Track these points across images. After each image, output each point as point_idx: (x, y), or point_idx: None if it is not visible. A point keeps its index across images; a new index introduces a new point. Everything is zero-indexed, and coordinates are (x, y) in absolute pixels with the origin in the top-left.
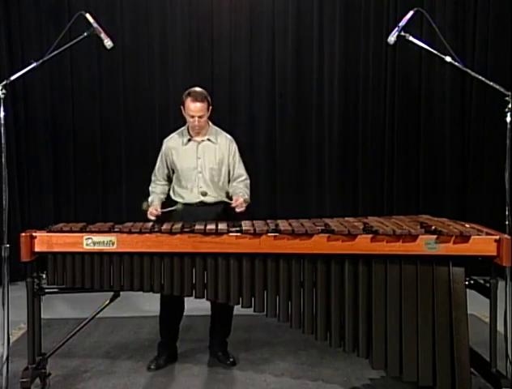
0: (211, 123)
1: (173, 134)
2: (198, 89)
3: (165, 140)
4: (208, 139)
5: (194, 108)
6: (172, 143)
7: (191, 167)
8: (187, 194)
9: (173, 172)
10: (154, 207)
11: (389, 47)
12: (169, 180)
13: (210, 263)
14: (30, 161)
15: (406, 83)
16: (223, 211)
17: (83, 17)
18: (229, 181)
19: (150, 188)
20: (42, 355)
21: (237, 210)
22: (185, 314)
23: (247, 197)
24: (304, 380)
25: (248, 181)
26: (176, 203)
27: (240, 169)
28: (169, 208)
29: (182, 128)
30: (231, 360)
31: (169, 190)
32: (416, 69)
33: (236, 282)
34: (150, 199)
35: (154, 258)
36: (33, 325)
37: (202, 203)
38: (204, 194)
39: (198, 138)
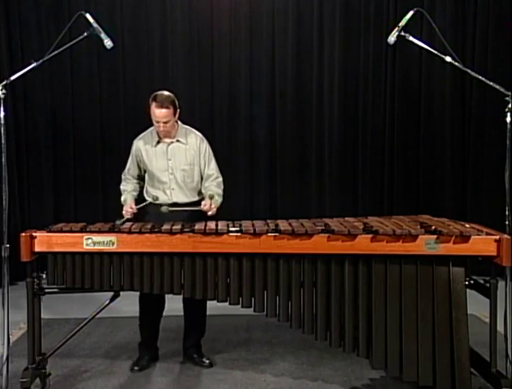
0: (180, 123)
1: (143, 134)
2: (164, 93)
3: (135, 140)
4: (178, 141)
5: (159, 114)
6: (142, 143)
7: (162, 168)
8: (160, 195)
9: (145, 171)
10: (128, 205)
11: (389, 47)
12: (140, 178)
13: (210, 263)
14: (30, 161)
15: (406, 83)
16: (195, 212)
17: (83, 17)
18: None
19: (121, 186)
20: (42, 355)
21: (209, 214)
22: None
23: (217, 198)
24: (304, 380)
25: (220, 180)
26: (145, 200)
27: (212, 169)
28: (142, 204)
29: (152, 128)
30: (207, 361)
31: (141, 187)
32: (416, 69)
33: (236, 282)
34: (122, 198)
35: (154, 258)
36: (33, 325)
37: (174, 204)
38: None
39: (168, 140)
